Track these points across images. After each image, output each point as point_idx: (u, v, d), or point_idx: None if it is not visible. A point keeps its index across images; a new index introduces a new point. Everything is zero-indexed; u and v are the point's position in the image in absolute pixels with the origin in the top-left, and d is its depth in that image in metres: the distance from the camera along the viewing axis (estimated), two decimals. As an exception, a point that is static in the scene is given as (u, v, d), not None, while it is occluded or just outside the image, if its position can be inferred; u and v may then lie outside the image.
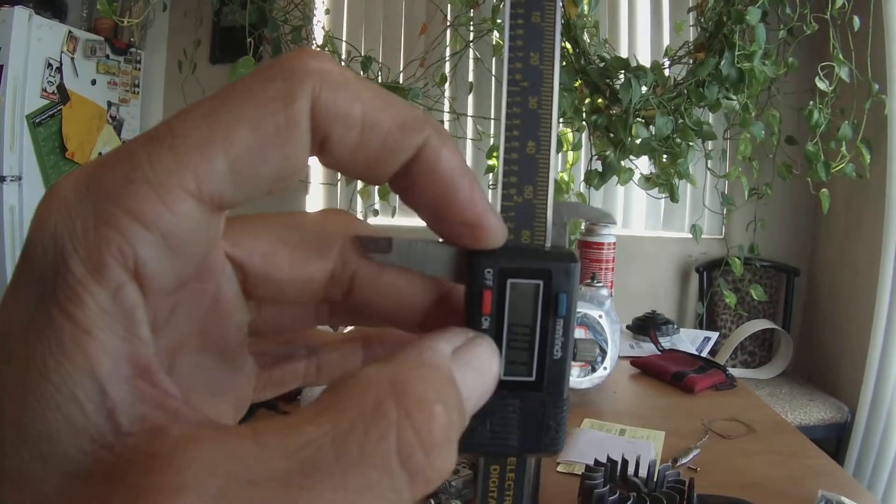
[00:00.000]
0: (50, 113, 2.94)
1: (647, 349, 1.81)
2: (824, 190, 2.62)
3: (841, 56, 2.48)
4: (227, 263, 0.24)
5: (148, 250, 0.19)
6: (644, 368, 1.65)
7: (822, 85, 2.49)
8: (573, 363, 0.30)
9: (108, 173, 0.19)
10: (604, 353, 1.38)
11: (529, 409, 0.28)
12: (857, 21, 2.44)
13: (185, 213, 0.20)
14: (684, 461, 1.15)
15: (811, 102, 2.55)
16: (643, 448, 1.17)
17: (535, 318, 0.28)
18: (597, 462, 1.00)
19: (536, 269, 0.28)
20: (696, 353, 1.83)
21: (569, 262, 0.27)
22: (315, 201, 3.55)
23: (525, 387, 0.28)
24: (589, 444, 1.19)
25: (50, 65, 2.93)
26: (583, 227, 1.96)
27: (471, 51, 2.98)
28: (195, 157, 0.20)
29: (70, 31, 3.03)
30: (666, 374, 1.58)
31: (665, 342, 1.83)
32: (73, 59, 3.05)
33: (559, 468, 1.11)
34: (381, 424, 0.18)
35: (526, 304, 0.28)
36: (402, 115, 0.23)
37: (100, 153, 3.25)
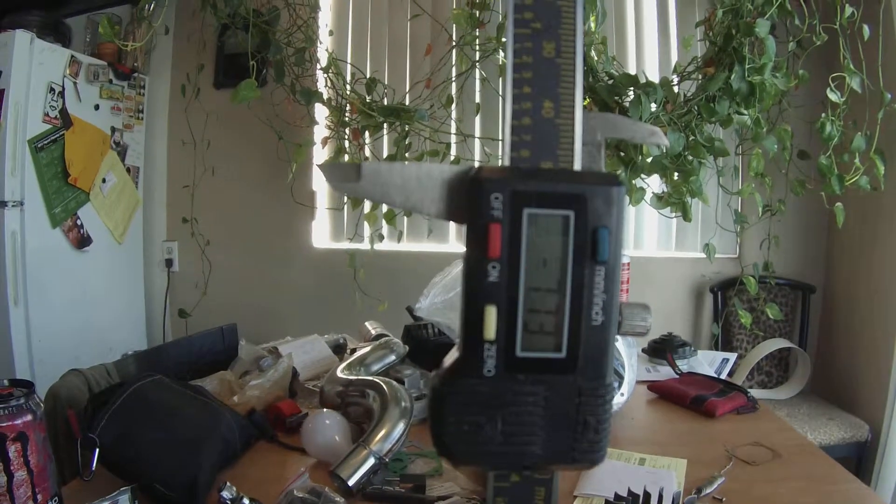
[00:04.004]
0: (52, 138, 2.92)
1: (664, 373, 1.75)
2: (839, 204, 2.57)
3: (852, 66, 2.44)
4: None
5: None
6: (662, 393, 1.60)
7: (833, 96, 2.45)
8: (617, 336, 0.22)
9: None
10: (621, 378, 1.33)
11: (559, 399, 0.21)
12: (866, 30, 2.41)
13: None
14: (709, 491, 1.09)
15: (823, 115, 2.51)
16: (665, 478, 1.11)
17: (566, 266, 0.21)
18: (617, 496, 0.95)
19: (565, 195, 0.20)
20: (715, 375, 1.77)
21: (610, 184, 0.21)
22: (321, 226, 3.51)
23: (552, 367, 0.21)
24: (608, 474, 1.13)
25: (52, 89, 2.90)
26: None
27: (477, 71, 2.95)
28: None
29: (73, 56, 3.01)
30: (685, 399, 1.52)
31: (682, 365, 1.78)
32: (75, 83, 3.03)
33: (576, 502, 1.05)
34: None
35: (551, 244, 0.21)
36: None
37: (103, 179, 3.22)
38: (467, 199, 0.21)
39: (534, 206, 0.21)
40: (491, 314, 0.21)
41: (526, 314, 0.21)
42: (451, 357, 0.22)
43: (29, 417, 0.90)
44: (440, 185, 0.22)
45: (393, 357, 1.54)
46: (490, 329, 0.21)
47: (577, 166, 0.21)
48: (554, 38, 0.22)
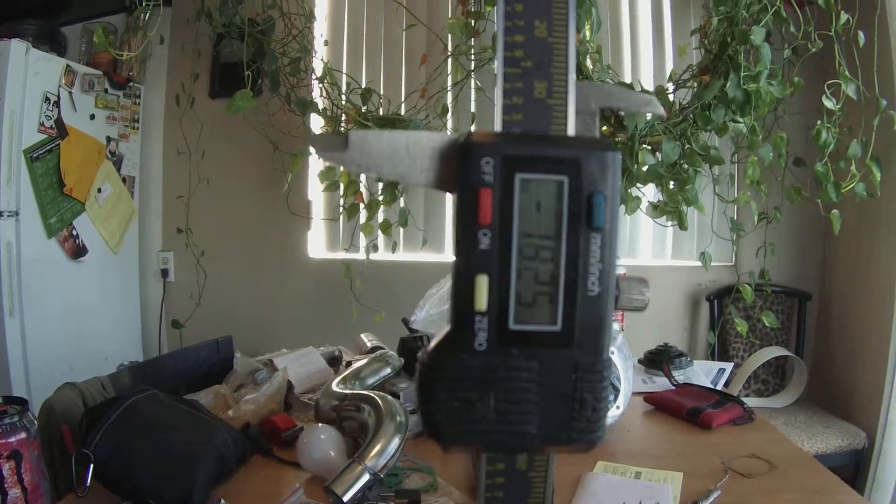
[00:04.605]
0: (48, 148, 2.91)
1: (660, 384, 1.75)
2: (835, 211, 2.57)
3: (847, 73, 2.44)
4: None
5: None
6: (658, 405, 1.59)
7: (829, 103, 2.45)
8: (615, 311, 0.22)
9: None
10: (617, 390, 1.32)
11: (554, 374, 0.20)
12: (861, 37, 2.41)
13: None
14: (705, 505, 1.09)
15: (819, 122, 2.51)
16: (661, 492, 1.11)
17: (560, 234, 0.20)
18: (613, 512, 0.94)
19: (558, 159, 0.20)
20: (712, 386, 1.77)
21: (605, 149, 0.20)
22: (317, 236, 3.50)
23: (547, 340, 0.20)
24: (603, 489, 1.13)
25: (48, 99, 2.90)
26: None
27: (472, 80, 2.95)
28: None
29: (68, 65, 3.01)
30: (681, 411, 1.52)
31: (679, 376, 1.78)
32: (70, 93, 3.02)
33: (573, 517, 1.05)
34: None
35: (544, 211, 0.20)
36: None
37: (98, 189, 3.21)
38: (457, 164, 0.20)
39: (526, 171, 0.20)
40: (482, 284, 0.20)
41: (519, 284, 0.20)
42: (441, 332, 0.21)
43: (23, 435, 0.89)
44: (430, 154, 0.21)
45: (388, 370, 1.54)
46: (481, 300, 0.20)
47: (571, 132, 0.21)
48: (545, 77, 0.22)
